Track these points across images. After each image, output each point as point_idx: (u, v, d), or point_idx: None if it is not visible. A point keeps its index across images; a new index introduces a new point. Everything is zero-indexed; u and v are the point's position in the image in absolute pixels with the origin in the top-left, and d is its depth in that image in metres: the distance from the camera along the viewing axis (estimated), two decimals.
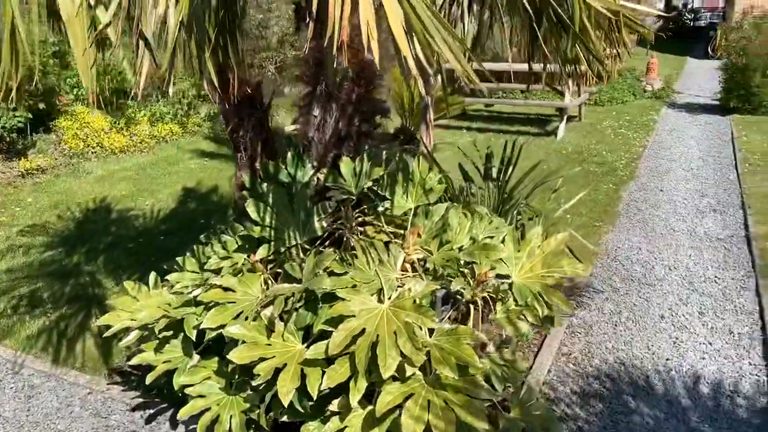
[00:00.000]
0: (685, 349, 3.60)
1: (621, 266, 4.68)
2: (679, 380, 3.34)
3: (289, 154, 3.15)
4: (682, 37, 23.97)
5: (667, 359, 3.51)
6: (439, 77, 9.11)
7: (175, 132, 8.83)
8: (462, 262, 2.56)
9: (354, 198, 2.90)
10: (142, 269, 4.62)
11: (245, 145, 3.41)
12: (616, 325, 3.86)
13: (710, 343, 3.64)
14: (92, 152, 7.97)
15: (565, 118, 8.84)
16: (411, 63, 1.78)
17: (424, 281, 2.36)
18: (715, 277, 4.45)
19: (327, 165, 3.15)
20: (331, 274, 2.42)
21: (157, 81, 2.36)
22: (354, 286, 2.39)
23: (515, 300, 2.49)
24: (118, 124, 8.30)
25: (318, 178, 3.12)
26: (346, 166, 2.98)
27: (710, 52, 18.80)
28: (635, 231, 5.34)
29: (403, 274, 2.51)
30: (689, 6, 28.93)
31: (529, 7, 2.48)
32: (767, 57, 9.66)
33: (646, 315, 3.97)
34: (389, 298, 2.35)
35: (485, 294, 2.40)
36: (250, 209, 2.75)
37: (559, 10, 2.29)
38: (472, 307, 2.41)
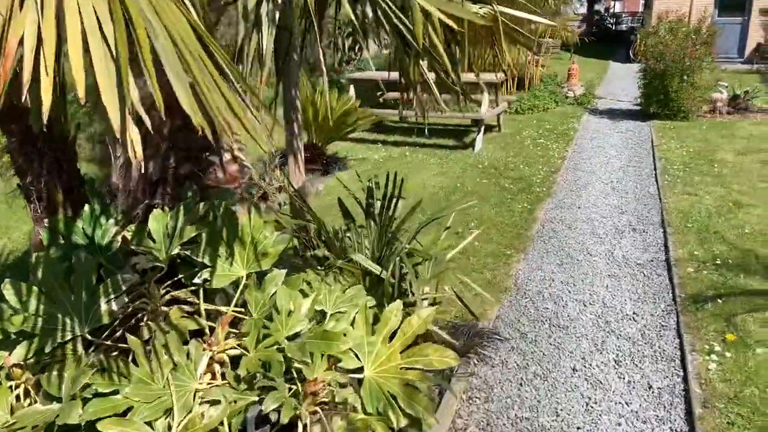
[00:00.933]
0: (599, 412, 3.07)
1: (531, 304, 4.15)
2: None
3: (87, 207, 2.42)
4: (605, 41, 24.40)
5: (578, 428, 2.97)
6: (352, 88, 8.47)
7: None
8: (292, 356, 1.90)
9: (163, 266, 2.20)
10: None
11: (40, 194, 2.65)
12: (521, 385, 3.30)
13: (627, 403, 3.12)
14: None
15: (481, 129, 8.36)
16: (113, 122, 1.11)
17: (224, 400, 1.69)
18: (634, 313, 3.97)
19: (137, 219, 2.44)
20: (97, 394, 1.71)
21: None
22: (129, 409, 1.69)
23: (364, 408, 1.85)
24: None
25: (125, 238, 2.41)
26: (156, 221, 2.27)
27: (632, 56, 19.09)
28: (549, 258, 4.85)
29: (209, 383, 1.83)
30: (611, 10, 29.56)
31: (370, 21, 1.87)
32: (684, 62, 9.53)
33: (556, 368, 3.43)
34: (179, 426, 1.66)
35: (317, 407, 1.75)
36: (7, 291, 2.00)
37: (399, 22, 1.69)
38: (300, 425, 1.76)
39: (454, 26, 1.71)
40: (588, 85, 14.16)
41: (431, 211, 5.55)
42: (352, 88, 9.08)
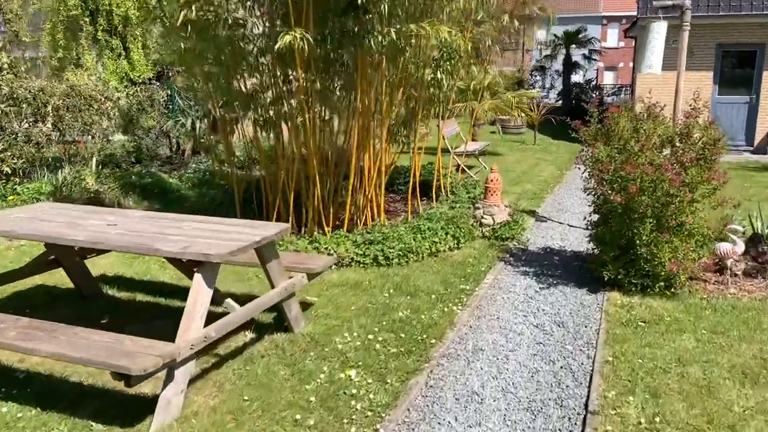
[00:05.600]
0: None
1: None
2: None
3: None
4: (582, 117, 20.15)
5: None
6: None
7: None
8: None
9: None
10: None
11: None
12: None
13: None
14: None
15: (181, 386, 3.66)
16: None
17: None
18: None
19: None
20: None
21: None
22: None
23: None
24: None
25: None
26: None
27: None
28: None
29: None
30: (593, 82, 25.55)
31: None
32: (660, 192, 5.04)
33: None
34: None
35: None
36: None
37: None
38: None
39: None
40: (532, 194, 9.70)
41: None
42: None
